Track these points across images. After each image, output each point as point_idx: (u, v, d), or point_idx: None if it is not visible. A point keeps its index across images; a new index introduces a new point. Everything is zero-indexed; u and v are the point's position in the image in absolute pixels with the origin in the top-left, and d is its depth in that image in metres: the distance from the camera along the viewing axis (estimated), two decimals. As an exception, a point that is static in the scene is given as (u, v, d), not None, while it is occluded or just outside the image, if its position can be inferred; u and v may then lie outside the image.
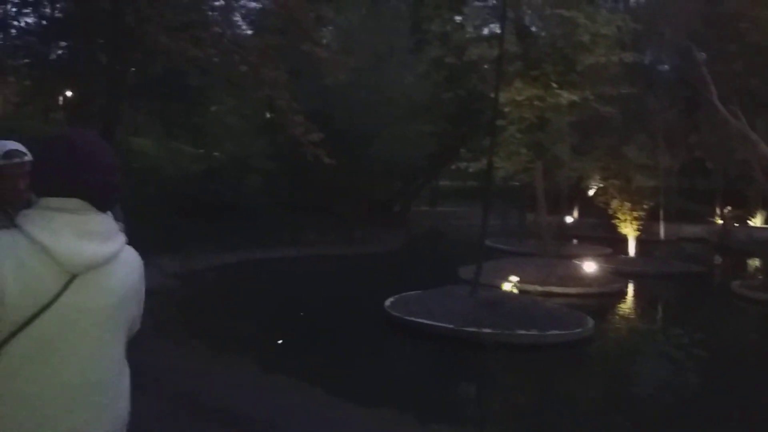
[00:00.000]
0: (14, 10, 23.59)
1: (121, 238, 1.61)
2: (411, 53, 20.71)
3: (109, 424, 1.62)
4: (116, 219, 2.38)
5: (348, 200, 22.51)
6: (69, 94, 27.44)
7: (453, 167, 18.98)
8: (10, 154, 2.66)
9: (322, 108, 16.45)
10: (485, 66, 14.15)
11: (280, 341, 8.80)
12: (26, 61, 26.15)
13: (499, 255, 17.40)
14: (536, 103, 13.72)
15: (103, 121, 18.89)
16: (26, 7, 23.90)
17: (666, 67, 26.81)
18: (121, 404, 1.69)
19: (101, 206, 1.54)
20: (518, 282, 12.26)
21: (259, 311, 11.51)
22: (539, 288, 13.35)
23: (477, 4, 14.17)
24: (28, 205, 2.67)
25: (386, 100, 20.25)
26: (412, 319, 10.06)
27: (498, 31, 16.52)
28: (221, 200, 18.08)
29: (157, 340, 7.61)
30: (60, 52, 24.96)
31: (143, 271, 1.69)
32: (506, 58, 12.08)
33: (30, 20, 24.42)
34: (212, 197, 17.84)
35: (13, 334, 1.40)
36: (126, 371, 1.72)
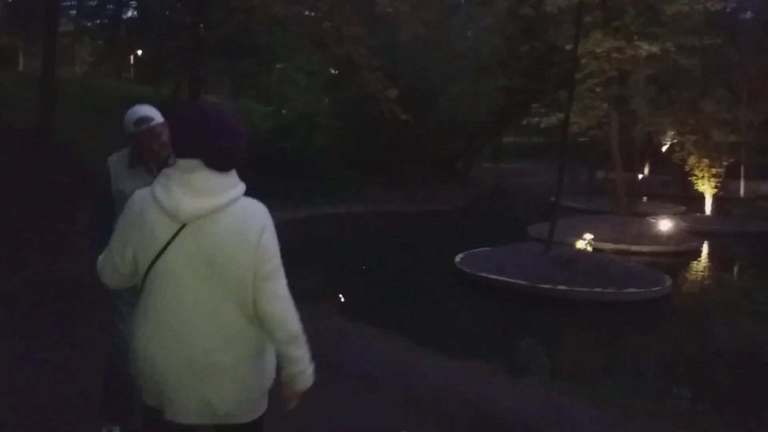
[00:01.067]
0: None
1: (231, 194, 1.76)
2: (479, 5, 20.14)
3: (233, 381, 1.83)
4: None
5: (411, 157, 22.47)
6: (139, 53, 28.23)
7: (524, 123, 18.52)
8: (140, 120, 2.93)
9: (389, 64, 16.34)
10: (562, 17, 13.61)
11: (341, 298, 8.99)
12: (99, 21, 26.99)
13: (569, 213, 17.09)
14: (614, 55, 13.18)
15: (176, 80, 19.42)
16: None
17: (749, 14, 25.17)
18: (246, 367, 1.84)
19: (217, 166, 1.75)
20: (592, 240, 12.06)
21: (332, 264, 11.81)
22: (613, 246, 13.11)
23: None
24: (166, 162, 2.91)
25: (453, 56, 19.89)
26: (484, 275, 10.10)
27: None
28: (289, 157, 18.41)
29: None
30: (132, 12, 25.62)
31: (266, 223, 1.81)
32: (586, 9, 11.60)
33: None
34: (281, 154, 18.17)
35: (150, 266, 1.78)
36: (247, 335, 1.82)
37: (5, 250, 7.24)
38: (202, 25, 11.14)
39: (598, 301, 9.08)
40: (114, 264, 1.86)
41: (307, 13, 8.91)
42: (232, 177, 1.80)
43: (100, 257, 1.95)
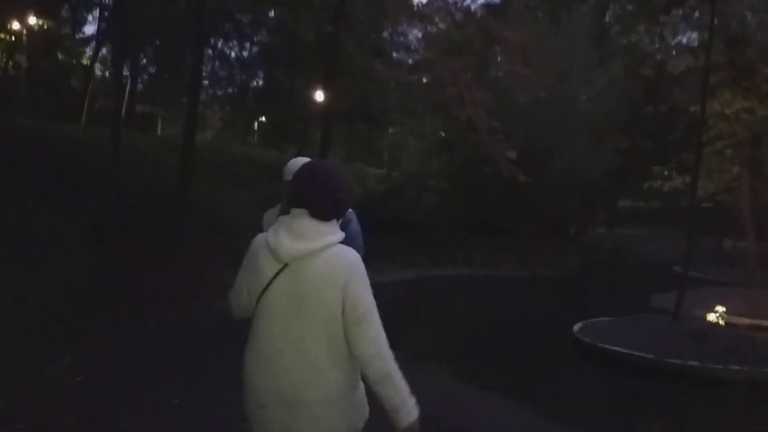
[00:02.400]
0: (221, 43, 26.58)
1: (327, 240, 1.95)
2: (595, 67, 19.94)
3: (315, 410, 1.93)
4: (349, 229, 2.74)
5: (522, 220, 22.11)
6: (263, 119, 30.31)
7: (645, 186, 17.80)
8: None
9: (502, 126, 16.44)
10: (687, 78, 13.16)
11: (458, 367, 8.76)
12: (230, 90, 29.39)
13: (694, 283, 15.96)
14: (744, 116, 12.49)
15: (297, 144, 20.59)
16: (231, 41, 26.90)
17: None
18: (333, 404, 1.94)
19: (318, 215, 1.97)
20: (724, 313, 11.17)
21: (444, 327, 11.69)
22: (747, 321, 12.04)
23: (676, 12, 13.26)
24: None
25: (567, 117, 19.68)
26: (606, 346, 9.59)
27: (694, 41, 15.42)
28: (400, 217, 18.75)
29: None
30: (257, 81, 27.71)
31: (355, 269, 1.94)
32: (712, 69, 11.17)
33: (233, 53, 27.42)
34: (392, 214, 18.56)
35: (258, 300, 2.00)
36: (332, 376, 1.94)
37: (146, 296, 7.84)
38: (324, 95, 11.82)
39: (732, 379, 8.31)
40: (236, 297, 2.13)
41: (425, 80, 9.26)
42: (332, 226, 2.00)
43: (230, 291, 2.19)
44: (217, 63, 28.23)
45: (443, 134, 22.48)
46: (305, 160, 3.16)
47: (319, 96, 12.48)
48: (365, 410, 2.05)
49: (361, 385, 2.04)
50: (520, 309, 13.86)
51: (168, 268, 8.83)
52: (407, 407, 1.94)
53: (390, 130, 23.94)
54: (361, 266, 1.97)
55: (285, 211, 3.05)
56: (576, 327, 10.65)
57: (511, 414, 5.49)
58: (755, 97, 12.45)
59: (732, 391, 8.13)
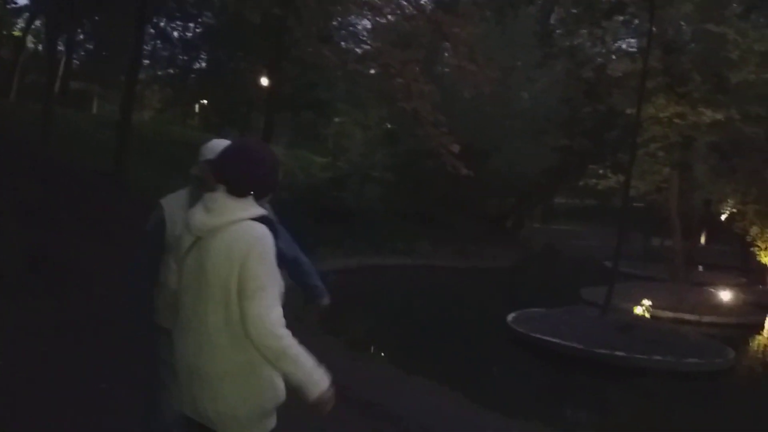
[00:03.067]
0: (163, 22, 25.72)
1: (235, 216, 1.93)
2: (537, 67, 20.42)
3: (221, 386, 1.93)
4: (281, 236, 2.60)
5: (462, 213, 22.52)
6: (204, 101, 29.55)
7: (581, 183, 18.41)
8: None
9: (447, 120, 16.66)
10: (625, 81, 13.66)
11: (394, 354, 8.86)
12: (171, 70, 28.50)
13: (623, 278, 16.67)
14: (677, 121, 13.08)
15: (239, 128, 20.25)
16: (174, 21, 26.08)
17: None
18: (234, 378, 1.92)
19: (232, 191, 1.97)
20: (650, 306, 11.73)
21: (383, 314, 11.79)
22: (671, 314, 12.70)
23: (617, 18, 13.71)
24: None
25: (509, 114, 20.11)
26: (538, 336, 9.90)
27: (633, 46, 16.00)
28: (343, 207, 18.73)
29: (298, 332, 8.04)
30: (200, 63, 26.98)
31: (255, 244, 1.89)
32: (649, 74, 11.63)
33: (176, 33, 26.60)
34: (335, 204, 18.52)
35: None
36: (232, 353, 1.91)
37: (74, 280, 7.54)
38: (268, 81, 11.64)
39: (656, 369, 8.75)
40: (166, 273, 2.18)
41: (372, 71, 9.25)
42: (245, 202, 1.97)
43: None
44: (158, 42, 27.34)
45: (389, 126, 22.58)
46: (225, 142, 3.07)
47: (264, 80, 12.29)
48: (276, 393, 1.97)
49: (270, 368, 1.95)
50: (457, 299, 14.14)
51: (98, 251, 8.51)
52: (312, 380, 1.90)
53: (336, 120, 23.82)
54: (265, 242, 1.91)
55: (195, 193, 2.91)
56: (510, 317, 10.94)
57: (443, 399, 5.60)
58: (687, 102, 13.04)
59: (655, 380, 8.57)
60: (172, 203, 2.74)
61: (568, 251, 27.25)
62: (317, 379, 1.91)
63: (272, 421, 2.04)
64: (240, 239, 1.90)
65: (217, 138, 3.03)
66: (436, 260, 19.22)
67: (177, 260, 2.10)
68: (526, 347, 9.94)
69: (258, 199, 2.02)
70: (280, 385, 1.97)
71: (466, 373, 7.85)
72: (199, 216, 1.98)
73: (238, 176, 1.98)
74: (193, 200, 2.83)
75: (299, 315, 7.72)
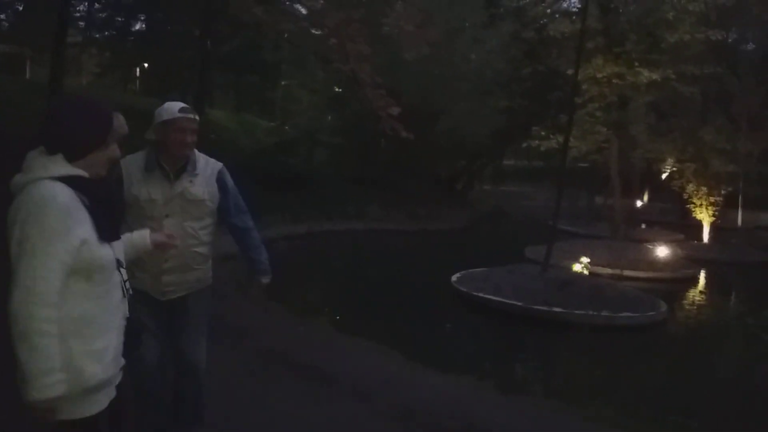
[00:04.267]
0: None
1: (34, 174, 1.80)
2: (484, 28, 20.43)
3: None
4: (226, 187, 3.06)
5: (412, 176, 22.62)
6: (145, 65, 28.50)
7: (524, 145, 18.72)
8: (184, 109, 2.91)
9: (392, 83, 16.56)
10: (565, 42, 13.83)
11: (337, 317, 8.95)
12: (107, 33, 27.29)
13: (567, 237, 17.17)
14: (615, 81, 13.36)
15: (181, 92, 19.66)
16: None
17: (751, 46, 25.44)
18: None
19: (45, 146, 1.87)
20: (588, 263, 12.11)
21: (330, 279, 11.86)
22: (609, 270, 13.15)
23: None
24: (184, 168, 2.95)
25: (456, 76, 20.11)
26: (480, 294, 10.13)
27: (576, 6, 16.16)
28: (291, 172, 18.54)
29: (239, 300, 8.01)
30: (140, 25, 25.91)
31: (29, 206, 1.75)
32: (587, 34, 11.78)
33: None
34: (283, 169, 18.31)
35: None
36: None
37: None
38: (209, 40, 11.27)
39: (592, 324, 9.09)
40: None
41: (314, 30, 9.04)
42: (49, 160, 1.83)
43: None
44: (91, 3, 26.07)
45: (336, 89, 22.31)
46: (179, 103, 3.04)
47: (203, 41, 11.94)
48: (79, 377, 1.82)
49: (78, 347, 1.82)
50: (405, 261, 14.31)
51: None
52: (39, 383, 1.71)
53: (282, 83, 23.38)
54: (45, 203, 1.75)
55: (151, 155, 2.96)
56: (454, 277, 11.15)
57: (381, 359, 5.70)
58: (624, 63, 13.30)
59: (591, 334, 8.91)
60: (130, 163, 2.89)
61: (516, 212, 27.82)
62: (45, 383, 1.72)
63: (87, 407, 1.88)
64: (22, 200, 1.77)
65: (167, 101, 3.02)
66: (387, 224, 19.32)
67: None
68: (470, 306, 10.16)
69: (71, 157, 1.85)
70: (87, 367, 1.83)
71: (408, 333, 8.01)
72: (17, 175, 1.85)
73: (45, 131, 1.87)
74: (150, 162, 2.88)
75: (242, 284, 7.66)
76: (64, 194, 1.79)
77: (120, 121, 2.05)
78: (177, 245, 2.56)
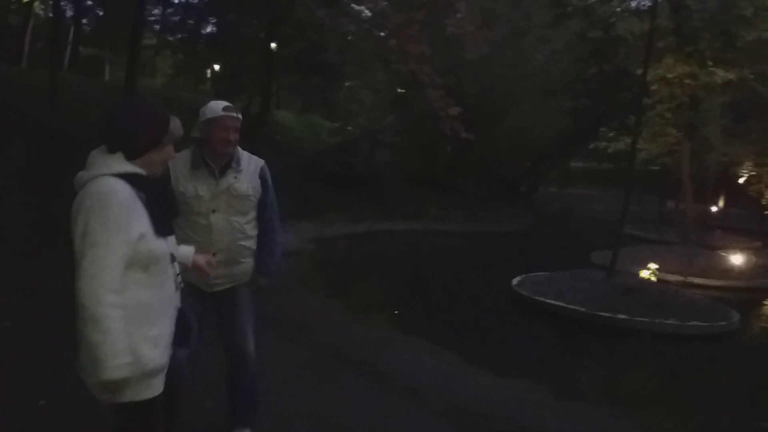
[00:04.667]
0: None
1: (96, 170, 1.93)
2: (550, 27, 19.98)
3: None
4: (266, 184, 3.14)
5: (474, 177, 22.41)
6: (216, 67, 29.47)
7: (591, 147, 18.22)
8: (228, 108, 3.03)
9: (455, 83, 16.47)
10: (634, 41, 13.37)
11: (396, 312, 8.97)
12: (180, 36, 28.39)
13: (635, 242, 16.62)
14: (687, 81, 12.80)
15: (249, 93, 20.23)
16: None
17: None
18: None
19: (106, 146, 1.99)
20: (657, 270, 11.66)
21: (388, 278, 11.92)
22: (679, 278, 12.62)
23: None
24: (229, 164, 3.06)
25: (521, 77, 19.80)
26: (541, 299, 9.95)
27: (645, 4, 15.58)
28: (353, 172, 18.75)
29: (301, 294, 8.20)
30: (211, 28, 26.83)
31: (90, 202, 1.87)
32: (658, 33, 11.35)
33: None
34: (345, 169, 18.55)
35: None
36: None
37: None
38: (274, 43, 11.53)
39: (658, 332, 8.75)
40: None
41: (375, 31, 9.10)
42: (109, 158, 1.95)
43: None
44: (166, 7, 27.21)
45: (399, 89, 22.38)
46: (223, 103, 3.17)
47: (272, 44, 12.24)
48: (135, 362, 1.90)
49: (136, 333, 1.92)
50: (464, 263, 14.20)
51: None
52: (113, 363, 1.82)
53: (346, 84, 23.65)
54: (107, 197, 1.86)
55: (197, 153, 3.07)
56: (515, 281, 10.99)
57: (435, 359, 5.69)
58: (697, 62, 12.73)
59: (657, 342, 8.59)
60: (177, 161, 2.97)
61: (582, 215, 27.10)
62: (117, 365, 1.83)
63: (147, 390, 1.98)
64: (84, 195, 1.89)
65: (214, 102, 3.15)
66: (446, 225, 19.25)
67: None
68: (530, 310, 9.99)
69: (130, 155, 1.97)
70: (147, 352, 1.93)
71: (464, 335, 7.94)
72: (80, 171, 1.97)
73: (103, 132, 1.99)
74: (195, 159, 3.02)
75: (303, 278, 7.84)
76: (124, 190, 1.90)
77: (176, 125, 2.17)
78: (212, 274, 2.68)
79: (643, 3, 16.31)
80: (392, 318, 8.19)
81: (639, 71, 12.67)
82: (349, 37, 10.10)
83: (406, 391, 4.61)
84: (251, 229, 3.14)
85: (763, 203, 18.80)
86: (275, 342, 5.38)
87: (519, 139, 21.39)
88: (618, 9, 15.97)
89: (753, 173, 19.39)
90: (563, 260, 13.13)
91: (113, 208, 1.86)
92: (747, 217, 25.14)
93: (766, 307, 12.64)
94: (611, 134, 15.63)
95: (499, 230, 19.88)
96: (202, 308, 3.09)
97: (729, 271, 13.70)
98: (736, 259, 14.30)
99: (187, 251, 2.42)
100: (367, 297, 9.86)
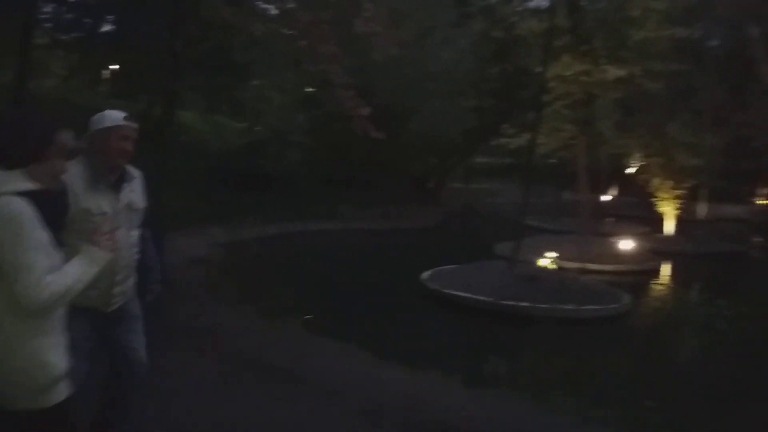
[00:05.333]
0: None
1: None
2: (454, 27, 20.63)
3: None
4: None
5: (384, 175, 22.74)
6: (115, 67, 28.06)
7: (493, 143, 19.00)
8: (128, 117, 2.93)
9: (364, 83, 16.61)
10: (533, 40, 14.09)
11: (309, 316, 9.02)
12: (75, 35, 26.78)
13: (535, 232, 17.49)
14: (582, 78, 13.66)
15: (151, 95, 19.48)
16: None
17: (715, 43, 26.09)
18: None
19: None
20: (556, 258, 12.39)
21: (301, 280, 11.92)
22: (576, 264, 13.46)
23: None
24: (122, 177, 2.97)
25: (427, 76, 20.28)
26: (450, 291, 10.33)
27: (545, 4, 16.41)
28: (263, 173, 18.52)
29: (211, 302, 8.07)
30: (109, 26, 25.50)
31: (11, 226, 1.85)
32: (556, 33, 12.03)
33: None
34: (254, 170, 18.29)
35: None
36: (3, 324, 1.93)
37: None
38: (179, 41, 11.15)
39: (558, 317, 9.33)
40: None
41: (284, 30, 9.06)
42: (9, 175, 1.91)
43: None
44: (63, 5, 25.58)
45: (308, 88, 22.29)
46: (121, 112, 3.08)
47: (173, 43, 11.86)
48: (46, 370, 1.97)
49: (45, 342, 1.98)
50: (376, 261, 14.43)
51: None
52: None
53: (253, 83, 23.25)
54: (19, 219, 1.86)
55: (98, 178, 2.88)
56: (424, 275, 11.33)
57: (349, 358, 5.81)
58: (591, 60, 13.61)
59: (557, 327, 9.14)
60: (72, 175, 2.69)
61: (487, 209, 28.16)
62: (90, 260, 2.04)
63: (55, 395, 2.03)
64: None
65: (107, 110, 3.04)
66: (359, 223, 19.42)
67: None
68: (440, 303, 10.35)
69: (13, 167, 1.92)
70: (52, 359, 1.99)
71: (378, 332, 8.12)
72: None
73: None
74: (93, 172, 2.87)
75: (213, 285, 7.66)
76: (29, 207, 1.89)
77: (65, 137, 2.09)
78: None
79: (541, 3, 17.19)
80: (306, 320, 8.23)
81: (538, 69, 13.39)
82: (256, 36, 9.96)
83: (323, 394, 4.70)
84: (140, 242, 3.13)
85: (650, 191, 20.30)
86: (184, 354, 5.29)
87: (426, 137, 21.91)
88: (519, 9, 16.76)
89: (642, 164, 20.91)
90: (470, 253, 13.66)
91: (27, 227, 1.87)
92: (637, 205, 27.06)
93: (653, 287, 13.74)
94: (512, 131, 16.37)
95: (409, 227, 20.31)
96: (96, 337, 2.99)
97: (621, 256, 14.75)
98: (627, 244, 15.42)
99: (85, 257, 2.19)
100: (280, 300, 9.81)
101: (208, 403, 4.27)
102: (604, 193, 26.81)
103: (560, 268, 12.30)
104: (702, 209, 22.25)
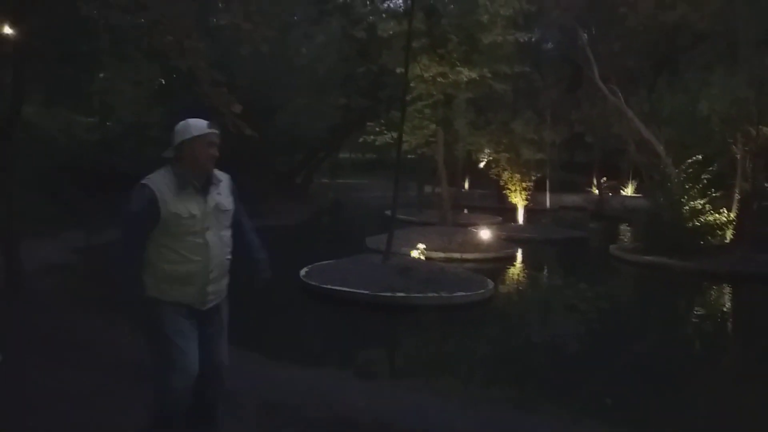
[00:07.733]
0: None
1: None
2: (314, 24, 20.71)
3: None
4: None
5: (251, 172, 22.26)
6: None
7: (360, 140, 19.40)
8: (211, 124, 3.13)
9: (227, 78, 16.14)
10: (392, 42, 14.60)
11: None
12: None
13: (402, 225, 18.15)
14: (440, 79, 14.40)
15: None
16: None
17: (552, 46, 28.66)
18: None
19: None
20: (424, 249, 13.00)
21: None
22: (442, 254, 14.23)
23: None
24: (210, 180, 2.96)
25: (291, 72, 20.17)
26: (329, 286, 10.48)
27: (400, 6, 17.06)
28: (119, 172, 17.32)
29: (79, 312, 7.55)
30: None
31: None
32: (414, 35, 12.57)
33: None
34: (109, 169, 17.12)
35: None
36: None
37: None
38: (23, 33, 10.16)
39: (432, 305, 9.87)
40: None
41: (143, 20, 8.58)
42: None
43: None
44: None
45: (162, 81, 21.18)
46: (203, 120, 3.03)
47: (7, 30, 10.70)
48: None
49: None
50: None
51: None
52: None
53: (101, 75, 21.60)
54: None
55: (180, 173, 3.04)
56: (302, 272, 11.39)
57: (241, 361, 5.73)
58: (447, 63, 14.39)
59: (431, 314, 9.68)
60: (159, 183, 2.99)
61: (354, 203, 28.66)
62: None
63: None
64: None
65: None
66: (226, 221, 18.87)
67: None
68: (321, 299, 10.46)
69: None
70: None
71: (264, 332, 8.07)
72: None
73: None
74: (180, 179, 3.04)
75: (77, 294, 7.23)
76: None
77: None
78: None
79: (398, 4, 17.82)
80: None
81: (399, 70, 13.92)
82: (114, 29, 9.36)
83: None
84: (231, 243, 3.29)
85: (501, 183, 21.88)
86: (56, 369, 4.95)
87: (293, 133, 21.81)
88: (373, 8, 17.23)
89: (491, 158, 22.44)
90: (343, 247, 13.90)
91: None
92: (488, 196, 29.03)
93: (510, 272, 14.88)
94: (377, 128, 16.87)
95: (279, 223, 20.09)
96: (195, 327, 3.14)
97: (480, 245, 15.77)
98: (485, 233, 16.51)
99: None
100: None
101: (85, 423, 4.01)
102: (459, 186, 28.43)
103: (428, 258, 12.93)
104: (546, 199, 24.37)
